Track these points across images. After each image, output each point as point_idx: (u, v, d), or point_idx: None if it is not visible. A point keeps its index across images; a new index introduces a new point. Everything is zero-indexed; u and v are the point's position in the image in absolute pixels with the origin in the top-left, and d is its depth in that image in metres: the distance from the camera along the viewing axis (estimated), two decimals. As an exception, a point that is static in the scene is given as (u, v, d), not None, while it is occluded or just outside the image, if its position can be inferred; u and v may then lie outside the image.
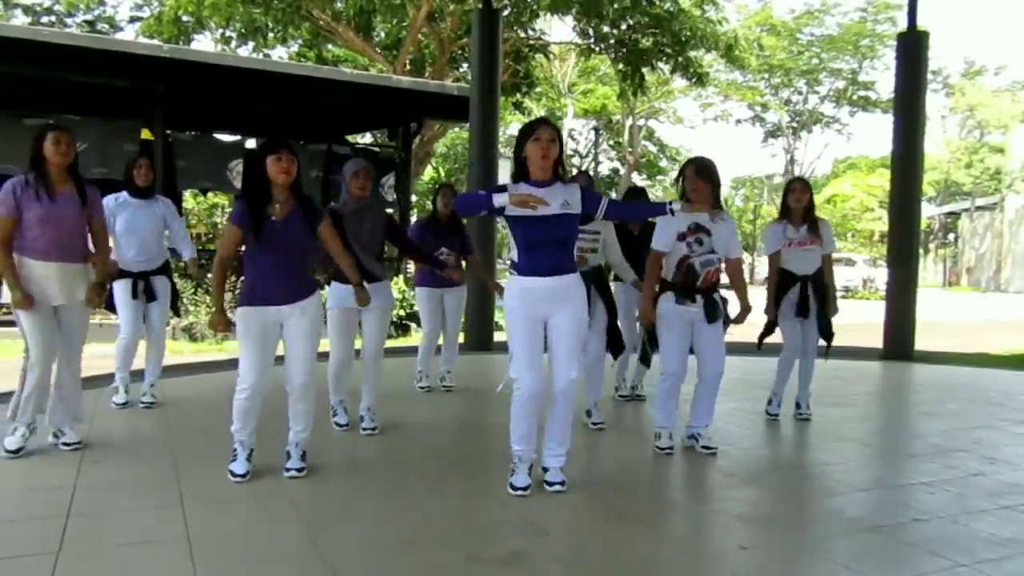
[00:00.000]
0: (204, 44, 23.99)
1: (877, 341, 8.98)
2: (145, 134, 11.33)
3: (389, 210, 13.17)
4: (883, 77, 47.16)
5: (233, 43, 21.23)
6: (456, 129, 24.68)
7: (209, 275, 3.55)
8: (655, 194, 31.77)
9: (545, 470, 3.62)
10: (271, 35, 18.30)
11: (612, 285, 5.13)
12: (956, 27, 79.89)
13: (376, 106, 13.87)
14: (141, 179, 4.97)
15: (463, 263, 5.87)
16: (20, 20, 25.46)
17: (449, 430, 5.07)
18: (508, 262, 3.65)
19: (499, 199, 3.37)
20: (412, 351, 6.67)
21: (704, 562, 2.99)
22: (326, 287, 4.56)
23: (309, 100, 12.77)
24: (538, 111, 25.65)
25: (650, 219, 4.99)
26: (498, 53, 9.26)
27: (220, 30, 21.14)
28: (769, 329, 5.16)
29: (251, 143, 13.41)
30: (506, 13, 15.92)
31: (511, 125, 27.65)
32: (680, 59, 17.88)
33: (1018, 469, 4.15)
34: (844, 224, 36.15)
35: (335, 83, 12.55)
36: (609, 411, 5.16)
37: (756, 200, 48.90)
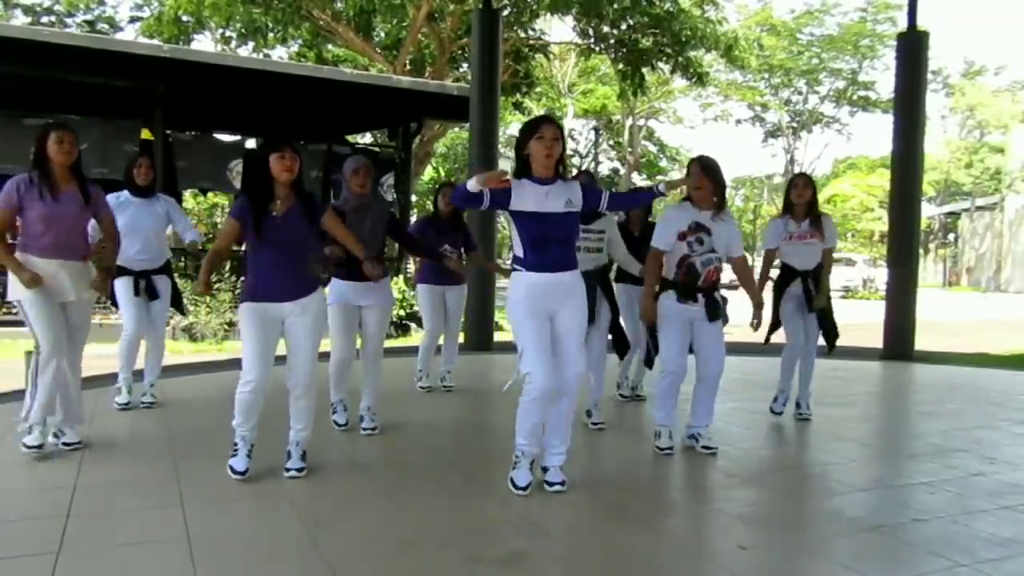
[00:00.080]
0: (204, 44, 24.03)
1: (877, 341, 8.98)
2: (145, 134, 11.35)
3: (392, 210, 13.17)
4: (883, 77, 47.22)
5: (233, 43, 21.25)
6: (456, 129, 24.69)
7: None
8: (655, 194, 31.67)
9: (545, 470, 3.62)
10: (271, 35, 18.31)
11: (614, 285, 5.13)
12: (956, 27, 79.97)
13: (376, 106, 13.87)
14: (141, 178, 4.98)
15: (463, 260, 5.88)
16: (20, 20, 25.47)
17: (449, 430, 5.06)
18: (510, 261, 3.65)
19: (471, 184, 3.32)
20: (412, 351, 6.67)
21: (704, 562, 2.99)
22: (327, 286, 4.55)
23: (309, 100, 12.77)
24: (538, 111, 25.64)
25: (651, 219, 5.00)
26: (498, 53, 9.26)
27: (220, 30, 21.16)
28: (775, 325, 5.16)
29: (251, 143, 13.42)
30: (506, 13, 15.92)
31: (511, 125, 27.65)
32: (680, 59, 17.88)
33: (1018, 469, 4.15)
34: (844, 224, 36.12)
35: (335, 83, 12.56)
36: (609, 411, 5.16)
37: (756, 200, 48.93)
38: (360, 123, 16.76)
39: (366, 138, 21.15)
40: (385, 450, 4.38)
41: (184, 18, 17.72)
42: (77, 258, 3.96)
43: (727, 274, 4.48)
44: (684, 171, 4.36)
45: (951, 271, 39.73)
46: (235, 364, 3.74)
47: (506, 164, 11.29)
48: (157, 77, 11.05)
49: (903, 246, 9.10)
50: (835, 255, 5.29)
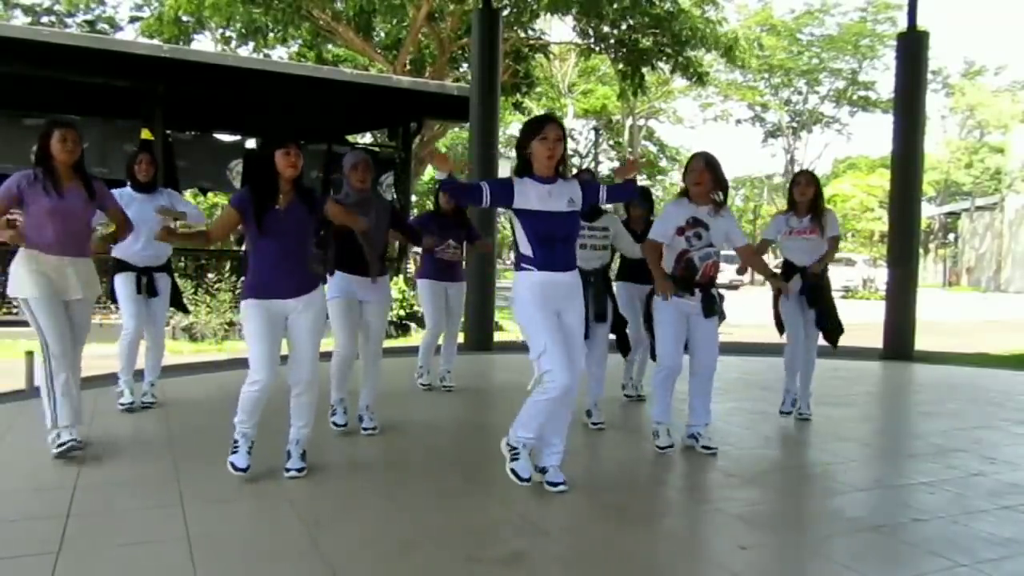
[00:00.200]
0: (204, 44, 24.03)
1: (877, 341, 8.98)
2: (145, 134, 11.31)
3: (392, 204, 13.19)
4: (883, 77, 47.23)
5: (233, 43, 21.25)
6: (456, 129, 24.68)
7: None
8: (655, 194, 31.75)
9: (544, 470, 3.61)
10: (271, 35, 18.31)
11: (615, 284, 5.13)
12: (956, 27, 79.92)
13: (376, 106, 13.88)
14: (142, 174, 4.97)
15: (464, 253, 5.94)
16: (20, 20, 25.47)
17: (449, 430, 5.06)
18: (512, 260, 3.64)
19: (438, 174, 3.50)
20: (412, 351, 6.67)
21: (704, 562, 2.99)
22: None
23: (309, 100, 12.77)
24: (538, 111, 25.62)
25: (652, 219, 5.00)
26: (498, 53, 9.26)
27: (220, 30, 21.16)
28: (780, 321, 5.16)
29: (251, 143, 13.43)
30: (506, 13, 15.92)
31: (511, 125, 27.66)
32: (680, 59, 17.89)
33: (1018, 469, 4.15)
34: (844, 224, 36.14)
35: (335, 83, 12.56)
36: (609, 411, 5.16)
37: (756, 200, 48.92)
38: (360, 123, 16.76)
39: (366, 138, 21.15)
40: (385, 450, 4.38)
41: (184, 18, 17.73)
42: (83, 253, 3.98)
43: (727, 274, 4.48)
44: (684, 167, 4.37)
45: (951, 271, 39.72)
46: (235, 364, 3.75)
47: (506, 164, 11.28)
48: (157, 77, 11.05)
49: (903, 246, 9.10)
50: (835, 255, 5.28)
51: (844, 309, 5.49)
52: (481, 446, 4.62)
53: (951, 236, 41.51)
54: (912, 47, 9.06)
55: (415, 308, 11.65)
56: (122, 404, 5.07)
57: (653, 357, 4.86)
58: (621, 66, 18.64)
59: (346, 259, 4.41)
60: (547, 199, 3.46)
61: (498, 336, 9.31)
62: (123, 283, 4.94)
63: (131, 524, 3.12)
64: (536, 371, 3.46)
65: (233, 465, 3.62)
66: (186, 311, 6.78)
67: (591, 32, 18.64)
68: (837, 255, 5.76)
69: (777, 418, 5.23)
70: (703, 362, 4.31)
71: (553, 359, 3.39)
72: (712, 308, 4.21)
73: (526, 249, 3.49)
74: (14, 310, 9.85)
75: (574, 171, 4.09)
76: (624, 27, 17.71)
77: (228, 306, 11.26)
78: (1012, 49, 70.93)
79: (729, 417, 5.27)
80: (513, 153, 3.66)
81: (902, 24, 10.33)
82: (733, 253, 4.48)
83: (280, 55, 22.20)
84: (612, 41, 18.52)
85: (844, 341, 5.14)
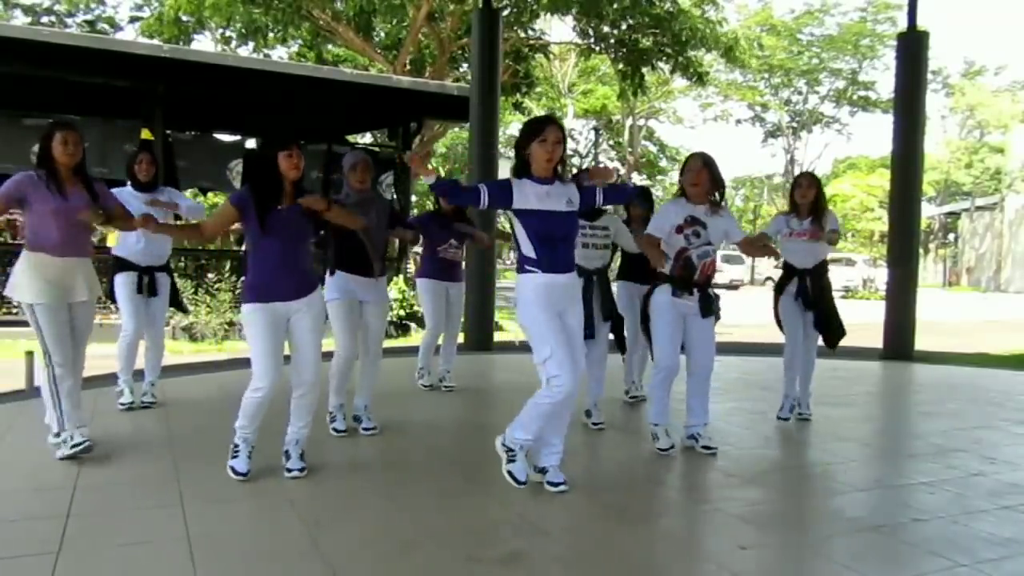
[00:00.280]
0: (204, 44, 24.03)
1: (877, 341, 8.98)
2: (145, 134, 11.34)
3: (391, 203, 13.21)
4: (883, 77, 47.18)
5: (233, 43, 21.25)
6: (456, 129, 24.69)
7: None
8: (655, 194, 31.81)
9: (543, 471, 3.61)
10: (271, 35, 18.30)
11: (614, 284, 5.13)
12: (956, 27, 79.88)
13: (376, 106, 13.88)
14: (143, 174, 4.96)
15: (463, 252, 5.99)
16: (20, 20, 25.47)
17: (449, 430, 5.06)
18: (513, 260, 3.64)
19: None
20: (412, 351, 6.66)
21: (704, 562, 2.99)
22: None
23: (309, 100, 12.77)
24: (538, 111, 25.61)
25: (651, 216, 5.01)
26: (498, 53, 9.25)
27: (220, 30, 21.16)
28: (779, 322, 5.16)
29: (251, 143, 13.43)
30: (506, 13, 15.92)
31: (511, 125, 27.65)
32: (680, 59, 17.88)
33: (1018, 469, 4.15)
34: (844, 224, 36.15)
35: (335, 83, 12.56)
36: (609, 411, 5.16)
37: (756, 200, 48.91)
38: (360, 123, 16.76)
39: (366, 138, 21.15)
40: (385, 450, 4.38)
41: (184, 18, 17.73)
42: (86, 254, 3.99)
43: (727, 274, 4.49)
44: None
45: (951, 271, 39.71)
46: (235, 364, 3.75)
47: (506, 164, 11.28)
48: (157, 77, 11.05)
49: (903, 246, 9.10)
50: (835, 255, 5.29)
51: (844, 309, 5.48)
52: (481, 446, 4.61)
53: (951, 236, 41.51)
54: (912, 47, 9.06)
55: (415, 308, 11.65)
56: (122, 404, 5.06)
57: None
58: (621, 66, 18.64)
59: (347, 258, 4.40)
60: (546, 199, 3.47)
61: (498, 336, 9.30)
62: (123, 283, 4.94)
63: (131, 524, 3.12)
64: (542, 375, 3.46)
65: (233, 470, 3.62)
66: (185, 311, 6.78)
67: (591, 32, 18.64)
68: (837, 255, 5.76)
69: (788, 421, 5.19)
70: (700, 362, 4.31)
71: (560, 364, 3.40)
72: (710, 308, 4.22)
73: (528, 251, 3.49)
74: (14, 310, 9.84)
75: (574, 171, 4.09)
76: (624, 27, 17.71)
77: (228, 306, 11.25)
78: (1012, 49, 70.94)
79: (729, 417, 5.27)
80: (513, 153, 3.66)
81: (902, 24, 10.33)
82: (734, 253, 4.49)
83: (280, 55, 22.21)
84: (612, 41, 18.52)
85: (844, 341, 5.14)
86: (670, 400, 4.39)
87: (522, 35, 19.19)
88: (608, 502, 3.54)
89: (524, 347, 3.60)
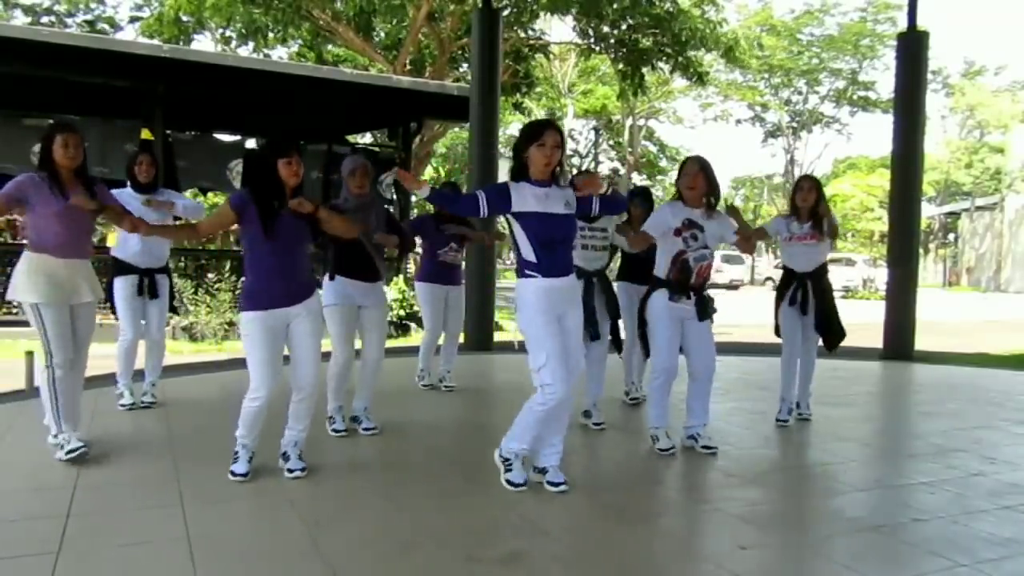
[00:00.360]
0: (204, 44, 24.03)
1: (877, 341, 8.98)
2: (145, 134, 11.35)
3: (388, 208, 13.20)
4: (883, 77, 47.18)
5: (233, 43, 21.24)
6: (456, 129, 24.69)
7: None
8: (655, 194, 31.82)
9: (543, 471, 3.61)
10: (271, 35, 18.29)
11: (614, 285, 5.13)
12: (956, 27, 79.87)
13: (376, 106, 13.87)
14: (143, 175, 4.95)
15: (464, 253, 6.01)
16: (20, 20, 25.47)
17: (449, 430, 5.06)
18: (512, 262, 3.64)
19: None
20: (412, 351, 6.66)
21: (704, 562, 2.99)
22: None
23: (309, 100, 12.77)
24: (538, 111, 25.66)
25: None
26: (498, 53, 9.26)
27: (220, 30, 21.16)
28: (778, 326, 5.16)
29: (251, 143, 13.43)
30: (506, 13, 15.92)
31: (511, 125, 27.65)
32: (680, 59, 17.88)
33: (1018, 469, 4.15)
34: (844, 224, 36.15)
35: (335, 83, 12.56)
36: (609, 411, 5.16)
37: (756, 200, 48.90)
38: (360, 123, 16.76)
39: (366, 138, 21.16)
40: (385, 450, 4.38)
41: (184, 18, 17.74)
42: (87, 255, 4.00)
43: (727, 274, 4.49)
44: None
45: (951, 271, 39.71)
46: (235, 364, 3.75)
47: (506, 164, 11.28)
48: (157, 77, 11.04)
49: (903, 246, 9.10)
50: (835, 255, 5.29)
51: (844, 309, 5.48)
52: (481, 446, 4.61)
53: (951, 236, 41.50)
54: (912, 47, 9.06)
55: (415, 308, 11.64)
56: (122, 405, 5.06)
57: (646, 355, 4.87)
58: (621, 66, 18.64)
59: (347, 263, 4.38)
60: (544, 201, 3.47)
61: (498, 336, 9.30)
62: (122, 287, 4.92)
63: (131, 524, 3.12)
64: (535, 381, 3.47)
65: (233, 472, 3.63)
66: (176, 312, 6.77)
67: (591, 32, 18.64)
68: (837, 255, 5.77)
69: (788, 424, 5.18)
70: (701, 366, 4.31)
71: (554, 372, 3.41)
72: (707, 311, 4.23)
73: (528, 254, 3.48)
74: (14, 310, 9.85)
75: (574, 171, 4.10)
76: (624, 27, 17.70)
77: (228, 306, 11.25)
78: (1012, 49, 70.90)
79: (729, 417, 5.27)
80: (512, 154, 3.66)
81: (902, 24, 10.33)
82: (734, 253, 4.49)
83: (280, 55, 22.20)
84: (612, 41, 18.51)
85: (845, 341, 5.13)
86: (669, 402, 4.39)
87: (522, 35, 19.19)
88: (608, 502, 3.55)
89: (523, 349, 3.60)
